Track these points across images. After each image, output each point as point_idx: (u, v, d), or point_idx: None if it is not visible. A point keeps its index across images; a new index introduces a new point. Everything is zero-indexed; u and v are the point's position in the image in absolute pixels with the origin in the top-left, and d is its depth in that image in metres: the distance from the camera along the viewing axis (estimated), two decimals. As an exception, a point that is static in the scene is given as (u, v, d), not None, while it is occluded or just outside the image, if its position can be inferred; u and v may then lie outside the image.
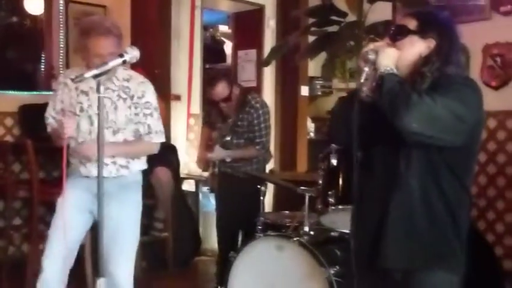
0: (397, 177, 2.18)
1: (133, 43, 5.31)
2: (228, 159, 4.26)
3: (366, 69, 2.16)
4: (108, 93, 3.06)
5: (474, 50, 4.56)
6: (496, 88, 4.48)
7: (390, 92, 2.07)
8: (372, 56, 2.16)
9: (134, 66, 5.25)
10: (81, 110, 3.10)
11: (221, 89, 4.17)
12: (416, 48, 2.20)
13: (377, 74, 2.14)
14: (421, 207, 2.15)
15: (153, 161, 5.11)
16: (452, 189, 2.17)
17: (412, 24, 2.22)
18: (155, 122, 3.20)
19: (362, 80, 2.17)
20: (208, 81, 4.40)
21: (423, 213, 2.15)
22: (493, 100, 4.44)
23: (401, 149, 2.15)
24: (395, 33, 2.24)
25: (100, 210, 2.43)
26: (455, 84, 2.12)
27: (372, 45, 2.22)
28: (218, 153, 4.28)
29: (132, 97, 3.14)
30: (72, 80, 2.67)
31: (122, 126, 3.12)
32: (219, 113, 4.34)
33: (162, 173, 5.20)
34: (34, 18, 5.50)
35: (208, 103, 4.54)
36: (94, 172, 2.75)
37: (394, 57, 2.17)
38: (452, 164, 2.15)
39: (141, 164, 3.30)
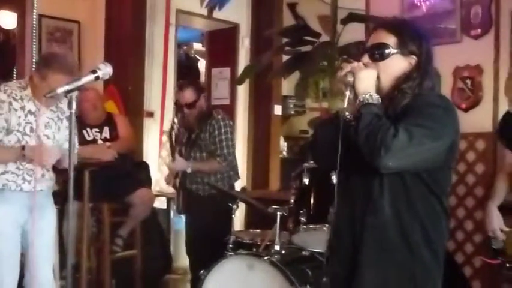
0: (371, 201, 2.14)
1: (107, 59, 5.27)
2: (189, 171, 4.26)
3: (347, 93, 2.11)
4: (51, 114, 3.28)
5: (445, 73, 4.60)
6: (466, 110, 4.52)
7: (366, 129, 2.01)
8: (350, 79, 2.10)
9: (107, 83, 5.32)
10: (31, 130, 3.21)
11: (189, 94, 4.25)
12: (398, 66, 2.14)
13: (357, 99, 2.08)
14: (394, 231, 2.12)
15: (134, 180, 5.18)
16: (427, 210, 2.13)
17: (391, 41, 2.15)
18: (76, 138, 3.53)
19: (345, 105, 2.12)
20: (178, 85, 4.52)
21: (397, 237, 2.12)
22: (463, 122, 4.41)
23: (375, 174, 2.10)
24: (376, 52, 2.15)
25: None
26: (431, 107, 2.07)
27: (348, 67, 2.14)
28: (179, 163, 4.29)
29: (67, 118, 3.31)
30: (44, 95, 2.69)
31: (62, 144, 3.34)
32: (182, 119, 4.38)
33: (146, 194, 5.18)
34: (7, 32, 5.46)
35: (175, 105, 4.61)
36: (38, 186, 3.19)
37: (372, 79, 2.11)
38: (429, 184, 2.12)
39: None
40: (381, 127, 1.99)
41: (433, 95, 2.16)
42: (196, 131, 4.32)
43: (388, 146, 1.95)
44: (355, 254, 2.17)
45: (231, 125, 4.41)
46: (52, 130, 3.28)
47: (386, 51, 2.14)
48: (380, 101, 2.09)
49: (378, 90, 2.12)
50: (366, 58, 2.18)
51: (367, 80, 2.10)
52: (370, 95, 2.07)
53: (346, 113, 2.13)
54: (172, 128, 4.66)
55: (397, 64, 2.15)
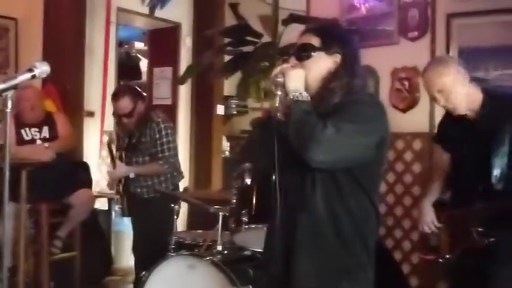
0: (304, 198, 2.20)
1: (45, 57, 5.18)
2: (132, 175, 4.22)
3: (279, 93, 2.18)
4: None
5: (383, 74, 4.70)
6: (404, 111, 4.61)
7: (296, 124, 2.09)
8: (280, 80, 2.17)
9: (45, 82, 5.20)
10: None
11: (124, 104, 4.20)
12: (323, 65, 2.22)
13: (287, 98, 2.15)
14: (327, 226, 2.17)
15: (74, 181, 5.09)
16: (358, 206, 2.20)
17: (315, 41, 2.24)
18: None
19: (276, 105, 2.18)
20: (112, 95, 4.39)
21: (330, 232, 2.18)
22: (401, 122, 4.59)
23: (307, 171, 2.16)
24: (301, 52, 2.24)
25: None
26: (359, 105, 2.16)
27: (278, 68, 2.23)
28: (121, 169, 4.25)
29: None
30: None
31: None
32: (122, 128, 4.31)
33: (86, 195, 5.13)
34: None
35: (113, 115, 4.52)
36: None
37: (300, 78, 2.18)
38: (360, 180, 2.18)
39: None
40: (309, 122, 2.06)
41: (363, 94, 2.24)
42: (136, 135, 4.28)
43: (317, 139, 2.02)
44: (289, 251, 2.21)
45: (172, 127, 4.39)
46: None
47: (311, 51, 2.23)
48: (309, 99, 2.15)
49: (306, 89, 2.18)
50: (292, 60, 2.27)
51: (296, 80, 2.17)
52: (300, 93, 2.14)
53: (278, 114, 2.18)
54: (111, 137, 4.61)
55: (322, 63, 2.22)
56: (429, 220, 3.16)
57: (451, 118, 3.12)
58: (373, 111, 2.19)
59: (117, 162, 4.26)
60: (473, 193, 2.94)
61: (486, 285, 2.88)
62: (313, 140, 2.02)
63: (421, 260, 4.21)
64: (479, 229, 2.88)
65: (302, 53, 2.25)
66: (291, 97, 2.14)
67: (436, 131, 3.51)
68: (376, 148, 2.16)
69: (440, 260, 3.13)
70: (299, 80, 2.18)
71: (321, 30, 2.32)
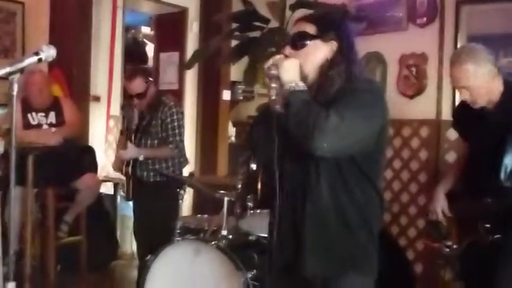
0: (309, 188, 2.19)
1: (52, 42, 5.17)
2: (141, 158, 4.21)
3: (273, 85, 2.14)
4: None
5: (391, 60, 4.68)
6: (411, 97, 4.60)
7: (296, 115, 2.05)
8: (274, 72, 2.13)
9: (52, 66, 5.20)
10: None
11: (137, 85, 4.18)
12: (320, 52, 2.18)
13: (284, 90, 2.11)
14: (333, 216, 2.18)
15: (80, 166, 5.10)
16: (363, 195, 2.20)
17: (310, 29, 2.20)
18: None
19: (273, 97, 2.14)
20: (127, 74, 4.41)
21: (336, 222, 2.18)
22: (408, 109, 4.58)
23: (311, 161, 2.15)
24: (296, 41, 2.20)
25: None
26: (360, 91, 2.13)
27: (271, 60, 2.18)
28: (131, 151, 4.23)
29: None
30: None
31: None
32: (132, 108, 4.32)
33: (92, 179, 5.17)
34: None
35: (124, 97, 4.52)
36: None
37: (295, 68, 2.14)
38: (364, 168, 2.18)
39: None
40: (311, 111, 2.03)
41: (362, 81, 2.21)
42: (147, 119, 4.28)
43: (321, 128, 1.98)
44: (297, 240, 2.22)
45: (182, 112, 4.37)
46: None
47: (306, 38, 2.19)
48: (306, 88, 2.12)
49: (304, 78, 2.15)
50: (288, 49, 2.22)
51: (291, 70, 2.13)
52: (296, 84, 2.11)
53: (276, 106, 2.15)
54: (123, 117, 4.60)
55: (318, 51, 2.19)
56: (440, 207, 3.14)
57: (468, 107, 3.01)
58: (373, 97, 2.17)
59: (128, 144, 4.24)
60: (483, 187, 2.91)
61: (490, 281, 2.87)
62: (317, 128, 1.99)
63: (426, 246, 4.21)
64: (486, 225, 2.87)
65: (297, 41, 2.20)
66: (288, 88, 2.10)
67: (452, 117, 3.46)
68: (377, 135, 2.15)
69: (447, 250, 3.13)
70: (293, 70, 2.14)
71: (316, 17, 2.29)
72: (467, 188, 3.09)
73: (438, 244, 3.24)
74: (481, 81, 2.82)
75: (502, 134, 2.84)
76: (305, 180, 2.20)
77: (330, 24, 2.24)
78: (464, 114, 3.12)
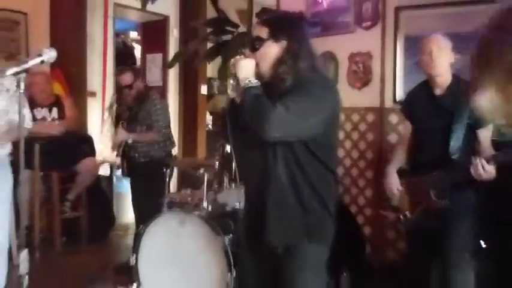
0: (268, 169, 2.16)
1: (52, 45, 5.08)
2: (130, 141, 4.27)
3: (231, 82, 2.14)
4: None
5: (342, 58, 4.70)
6: (359, 88, 4.62)
7: (250, 108, 2.04)
8: (233, 69, 2.12)
9: (53, 67, 5.13)
10: None
11: (126, 77, 4.28)
12: (272, 52, 2.13)
13: (240, 86, 2.10)
14: (290, 193, 2.15)
15: (80, 152, 5.07)
16: (316, 174, 2.17)
17: (264, 32, 2.15)
18: (28, 111, 3.25)
19: (229, 92, 2.14)
20: (119, 69, 4.50)
21: (292, 198, 2.15)
22: (357, 98, 4.61)
23: (268, 147, 2.13)
24: (253, 44, 2.16)
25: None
26: (308, 85, 2.08)
27: (232, 60, 2.16)
28: (121, 135, 4.29)
29: (7, 90, 3.11)
30: None
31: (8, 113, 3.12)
32: (122, 98, 4.37)
33: (91, 163, 5.16)
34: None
35: (115, 87, 4.58)
36: None
37: (250, 68, 2.11)
38: (315, 151, 2.15)
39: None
40: (261, 104, 2.02)
41: (313, 76, 2.14)
42: (135, 109, 4.33)
43: (269, 118, 1.97)
44: (261, 215, 2.20)
45: (165, 104, 4.49)
46: None
47: (260, 41, 2.15)
48: (259, 83, 2.10)
49: (260, 75, 2.13)
50: (247, 51, 2.20)
51: (246, 68, 2.11)
52: (249, 80, 2.09)
53: (236, 99, 2.15)
54: (111, 107, 4.64)
55: (271, 51, 2.13)
56: (393, 184, 3.14)
57: (420, 94, 3.07)
58: (320, 89, 2.11)
59: (119, 128, 4.30)
60: (433, 161, 2.93)
61: (440, 238, 2.91)
62: (265, 118, 1.97)
63: (380, 215, 4.24)
64: (437, 192, 2.90)
65: (253, 43, 2.16)
66: (242, 85, 2.09)
67: (402, 101, 3.43)
68: (325, 123, 2.11)
69: (401, 217, 3.14)
70: (248, 68, 2.11)
71: (269, 21, 2.23)
72: (417, 163, 3.08)
73: (391, 213, 3.23)
74: (443, 53, 2.88)
75: (450, 115, 2.87)
76: (265, 163, 2.17)
77: (281, 26, 2.17)
78: (416, 98, 3.14)
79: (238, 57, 2.17)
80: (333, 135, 2.27)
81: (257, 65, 2.14)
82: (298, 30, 2.19)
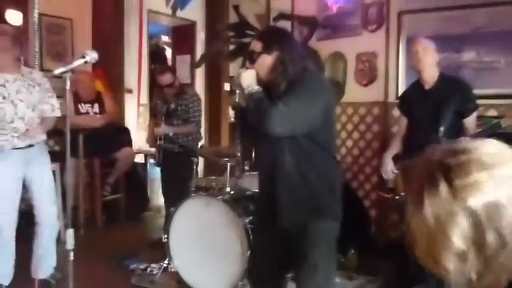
0: (276, 159, 2.19)
1: (94, 48, 5.10)
2: (171, 133, 4.23)
3: (237, 91, 2.19)
4: (21, 82, 3.12)
5: (350, 57, 4.67)
6: (365, 85, 4.60)
7: (253, 109, 2.09)
8: (238, 80, 2.17)
9: (95, 67, 5.16)
10: (4, 98, 3.06)
11: (167, 78, 4.19)
12: (266, 63, 2.16)
13: (244, 93, 2.14)
14: (297, 180, 2.18)
15: (119, 141, 5.11)
16: (320, 160, 2.19)
17: (258, 45, 2.19)
18: (55, 101, 3.27)
19: (237, 99, 2.19)
20: (159, 70, 4.37)
21: (299, 185, 2.18)
22: (363, 94, 4.58)
23: (275, 141, 2.15)
24: (251, 57, 2.20)
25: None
26: (301, 83, 2.11)
27: (237, 72, 2.22)
28: (163, 128, 4.24)
29: (39, 85, 3.18)
30: (53, 76, 2.63)
31: (36, 104, 3.17)
32: (162, 96, 4.30)
33: (128, 152, 5.19)
34: (14, 28, 5.18)
35: (156, 86, 4.51)
36: (23, 143, 3.08)
37: (251, 77, 2.15)
38: (317, 141, 2.17)
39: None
40: (262, 105, 2.07)
41: (306, 75, 2.16)
42: (173, 104, 4.26)
43: (270, 115, 2.02)
44: (274, 200, 2.23)
45: (200, 99, 4.41)
46: (24, 95, 3.09)
47: (255, 54, 2.19)
48: (261, 89, 2.14)
49: (261, 83, 2.16)
50: (248, 63, 2.25)
51: (248, 78, 2.15)
52: (252, 88, 2.13)
53: (243, 104, 2.18)
54: (152, 104, 4.60)
55: (265, 62, 2.17)
56: (389, 169, 3.18)
57: (413, 91, 3.22)
58: (313, 86, 2.14)
59: (162, 124, 4.23)
60: (424, 144, 2.92)
61: None
62: (268, 116, 2.02)
63: (379, 197, 4.24)
64: None
65: (251, 57, 2.20)
66: (246, 92, 2.13)
67: (399, 100, 3.50)
68: (323, 113, 2.14)
69: (397, 197, 3.16)
70: (250, 78, 2.15)
71: (262, 35, 2.30)
72: (409, 149, 3.11)
73: (388, 194, 3.26)
74: (429, 52, 3.04)
75: (439, 106, 2.97)
76: (274, 155, 2.19)
77: (273, 39, 2.20)
78: (410, 95, 3.27)
79: (241, 69, 2.24)
80: (331, 123, 2.29)
81: (257, 73, 2.18)
82: (286, 41, 2.22)
